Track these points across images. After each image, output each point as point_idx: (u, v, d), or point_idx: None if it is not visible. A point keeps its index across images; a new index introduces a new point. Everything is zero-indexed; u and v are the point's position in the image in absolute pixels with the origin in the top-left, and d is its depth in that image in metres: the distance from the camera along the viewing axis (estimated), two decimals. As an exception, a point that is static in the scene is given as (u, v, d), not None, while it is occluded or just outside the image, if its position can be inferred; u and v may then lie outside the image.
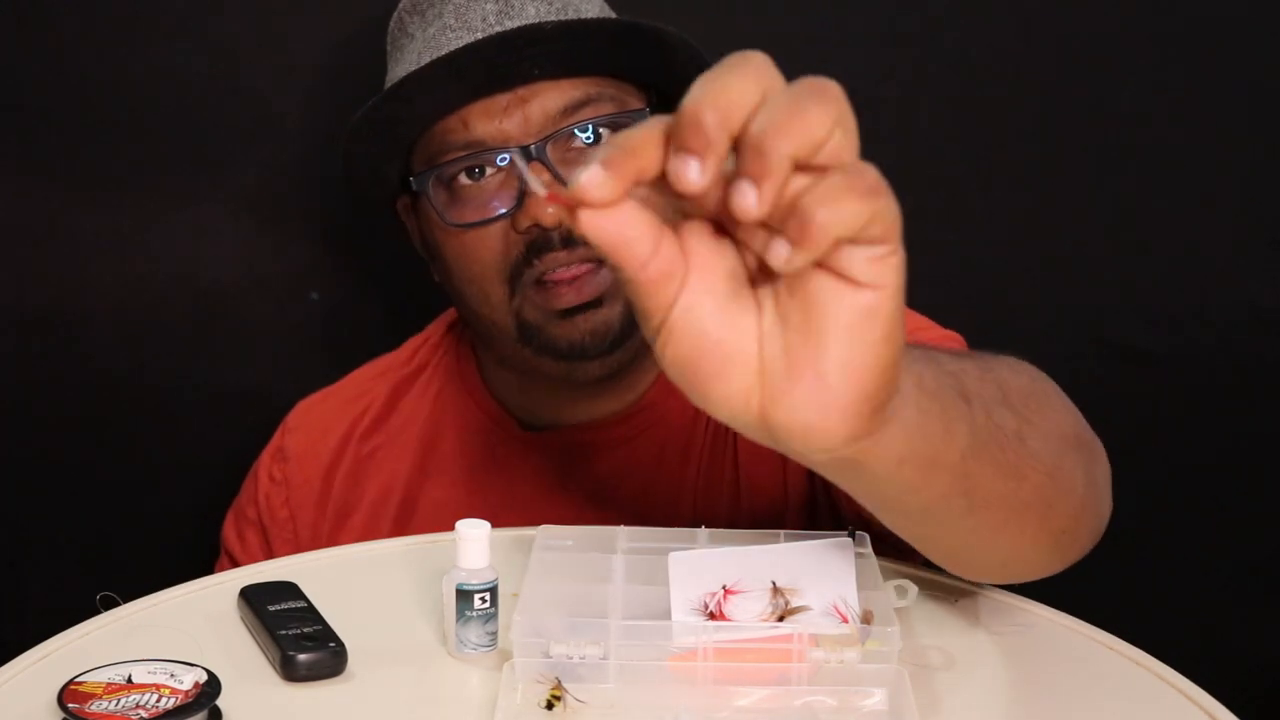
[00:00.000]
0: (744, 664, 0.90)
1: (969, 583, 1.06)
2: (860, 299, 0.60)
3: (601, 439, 1.26)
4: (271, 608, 0.98)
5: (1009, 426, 0.79)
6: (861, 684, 0.89)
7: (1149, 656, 0.97)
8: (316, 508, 1.31)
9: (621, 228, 0.59)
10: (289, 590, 1.01)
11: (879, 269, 0.60)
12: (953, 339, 1.20)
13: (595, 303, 1.18)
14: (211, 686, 0.87)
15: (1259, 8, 1.50)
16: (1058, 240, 1.56)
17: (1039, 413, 0.83)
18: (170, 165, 1.52)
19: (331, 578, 1.07)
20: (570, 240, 1.15)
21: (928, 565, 1.13)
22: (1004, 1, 1.52)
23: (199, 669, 0.88)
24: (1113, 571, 1.20)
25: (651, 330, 0.62)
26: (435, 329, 1.38)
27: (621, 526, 1.08)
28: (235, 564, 1.32)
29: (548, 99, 1.16)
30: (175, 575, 1.08)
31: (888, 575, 1.01)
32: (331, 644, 0.94)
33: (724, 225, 0.61)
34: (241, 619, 1.00)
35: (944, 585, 1.08)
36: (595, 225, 0.58)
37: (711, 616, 0.91)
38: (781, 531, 1.04)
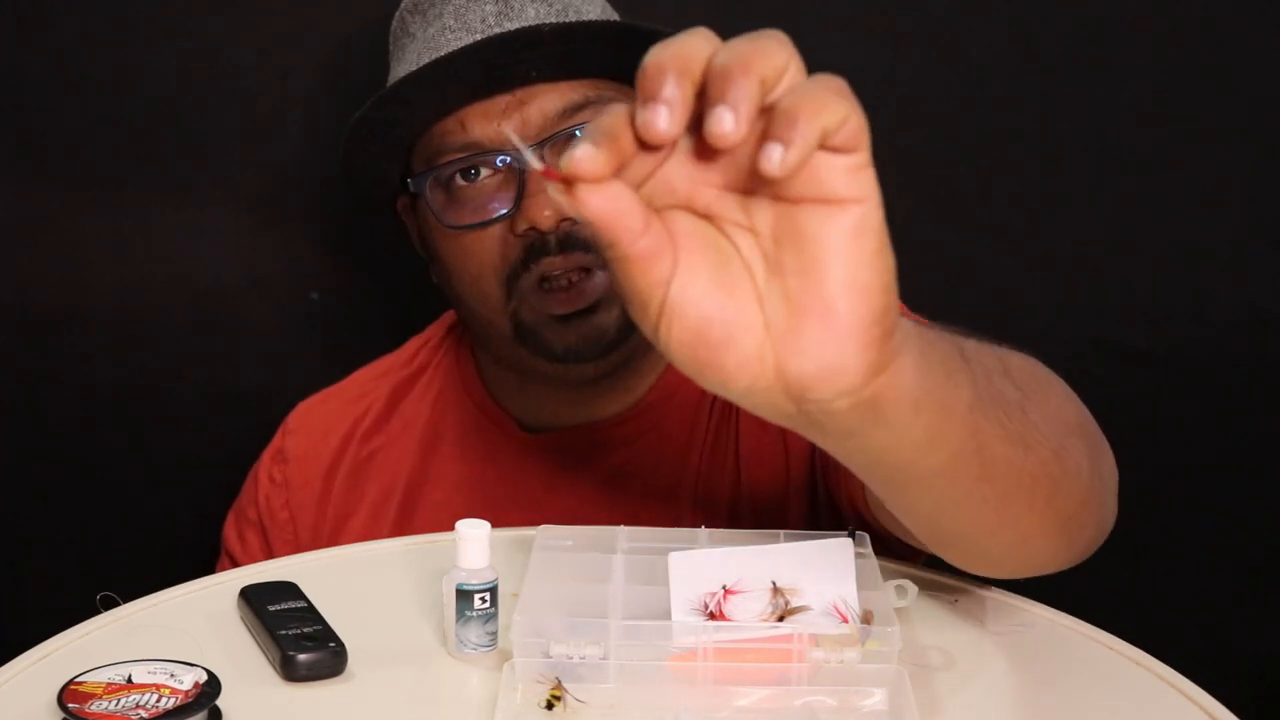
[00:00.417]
0: (744, 664, 0.90)
1: (973, 579, 1.06)
2: (847, 217, 0.62)
3: (601, 440, 1.26)
4: (271, 608, 0.98)
5: (1010, 395, 0.80)
6: (861, 684, 0.89)
7: (1149, 656, 0.97)
8: (317, 509, 1.31)
9: (614, 202, 0.62)
10: (289, 590, 1.01)
11: (858, 179, 0.62)
12: None
13: (590, 309, 1.18)
14: (211, 686, 0.87)
15: (1259, 8, 1.50)
16: (1058, 240, 1.56)
17: (1040, 393, 0.84)
18: (170, 165, 1.52)
19: (331, 578, 1.07)
20: (566, 244, 1.16)
21: (928, 565, 1.13)
22: (1004, 1, 1.52)
23: (199, 669, 0.88)
24: (1113, 571, 1.20)
25: (651, 319, 0.63)
26: (435, 330, 1.38)
27: (621, 526, 1.08)
28: (236, 565, 1.32)
29: (546, 101, 1.16)
30: (175, 575, 1.08)
31: (888, 575, 1.01)
32: (331, 644, 0.94)
33: (701, 210, 0.64)
34: (241, 619, 1.00)
35: (944, 585, 1.08)
36: (590, 200, 0.61)
37: (711, 616, 0.91)
38: (782, 531, 1.04)
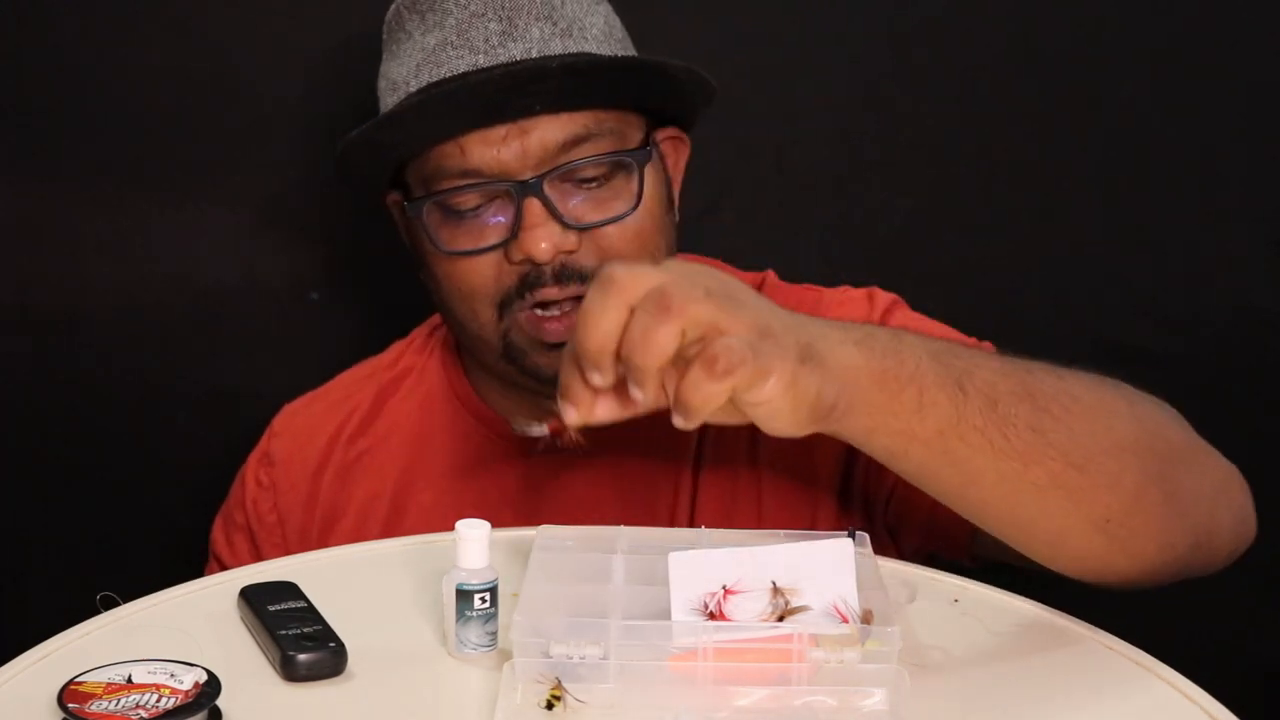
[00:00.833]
0: (744, 664, 0.90)
1: (972, 579, 1.06)
2: (757, 413, 0.85)
3: (594, 440, 1.26)
4: (271, 608, 0.98)
5: (1019, 418, 0.93)
6: (861, 684, 0.89)
7: (1149, 656, 0.97)
8: (304, 511, 1.31)
9: (606, 415, 0.89)
10: (289, 590, 1.01)
11: (755, 399, 0.83)
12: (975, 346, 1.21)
13: None
14: (211, 686, 0.87)
15: (1259, 8, 1.50)
16: (1058, 240, 1.56)
17: (1080, 417, 0.96)
18: (170, 165, 1.52)
19: (331, 578, 1.07)
20: (562, 276, 1.16)
21: (927, 565, 1.13)
22: (1004, 1, 1.52)
23: (199, 669, 0.88)
24: (1113, 571, 1.20)
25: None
26: (419, 333, 1.38)
27: (622, 526, 1.08)
28: (224, 568, 1.31)
29: (547, 132, 1.15)
30: (175, 575, 1.08)
31: (888, 575, 1.01)
32: (331, 644, 0.94)
33: None
34: (241, 619, 1.00)
35: (944, 585, 1.08)
36: (590, 421, 0.89)
37: (711, 616, 0.91)
38: (782, 531, 1.04)
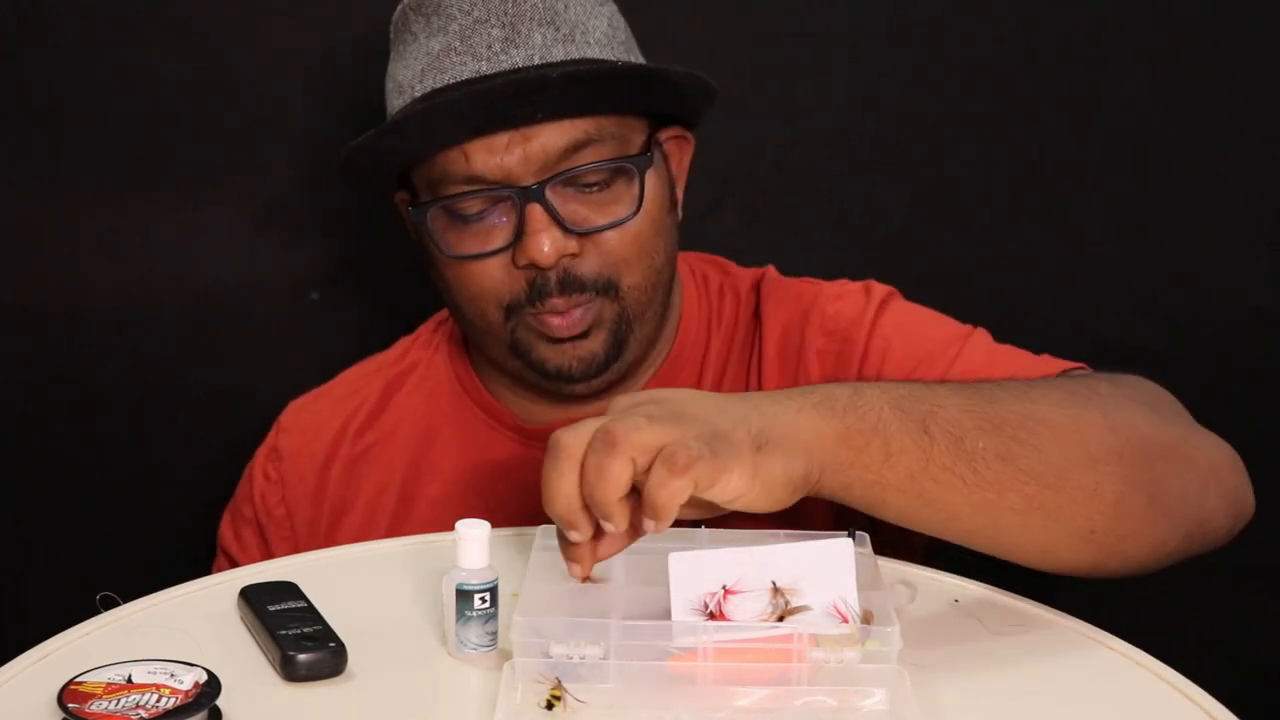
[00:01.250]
0: (744, 664, 0.90)
1: (972, 579, 1.07)
2: (735, 506, 0.92)
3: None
4: (271, 608, 0.98)
5: (987, 450, 0.97)
6: (861, 684, 0.89)
7: (1149, 656, 0.98)
8: (313, 504, 1.31)
9: (609, 553, 0.96)
10: (289, 590, 1.01)
11: (723, 496, 0.90)
12: (966, 336, 1.23)
13: (583, 334, 1.21)
14: (211, 686, 0.87)
15: (1259, 7, 1.50)
16: (1058, 240, 1.56)
17: (1049, 438, 0.99)
18: (170, 165, 1.52)
19: (331, 578, 1.07)
20: (567, 284, 1.18)
21: (927, 565, 1.13)
22: (1004, 1, 1.52)
23: (199, 669, 0.88)
24: (1113, 571, 1.20)
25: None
26: (425, 328, 1.39)
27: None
28: (233, 563, 1.32)
29: (549, 138, 1.17)
30: (175, 575, 1.08)
31: (888, 575, 1.01)
32: (331, 644, 0.94)
33: None
34: (241, 619, 1.00)
35: (944, 585, 1.08)
36: (605, 553, 0.96)
37: (711, 616, 0.91)
38: (782, 531, 1.04)
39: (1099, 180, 1.55)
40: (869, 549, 1.01)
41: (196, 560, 1.37)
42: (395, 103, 1.22)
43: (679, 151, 1.28)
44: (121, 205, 1.52)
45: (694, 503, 0.90)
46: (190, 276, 1.54)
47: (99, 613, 1.00)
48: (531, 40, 1.17)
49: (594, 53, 1.20)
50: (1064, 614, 1.03)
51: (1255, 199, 1.55)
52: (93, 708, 0.84)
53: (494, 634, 0.95)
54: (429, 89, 1.19)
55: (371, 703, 0.91)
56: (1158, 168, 1.54)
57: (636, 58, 1.24)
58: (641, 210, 1.20)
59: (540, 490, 0.91)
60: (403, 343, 1.39)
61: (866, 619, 0.92)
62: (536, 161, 1.17)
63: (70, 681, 0.87)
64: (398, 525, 1.28)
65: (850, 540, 0.94)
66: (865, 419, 0.95)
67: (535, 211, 1.17)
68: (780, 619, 0.91)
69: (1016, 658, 0.98)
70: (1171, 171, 1.54)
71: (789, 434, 0.92)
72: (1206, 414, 1.14)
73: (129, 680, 0.88)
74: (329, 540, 1.30)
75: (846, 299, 1.27)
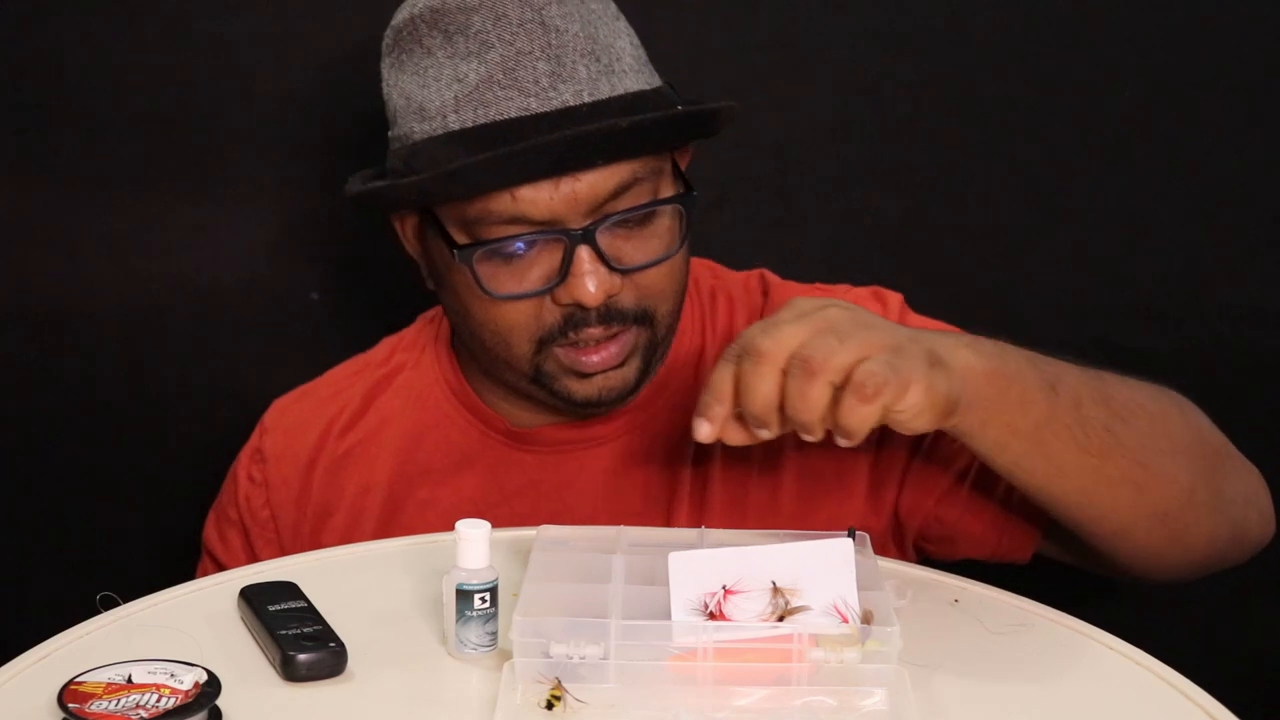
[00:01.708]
0: (744, 664, 0.90)
1: (972, 579, 1.06)
2: (899, 418, 0.96)
3: (591, 437, 1.26)
4: (271, 608, 0.98)
5: (1098, 419, 1.06)
6: (861, 684, 0.89)
7: (1149, 656, 0.98)
8: (296, 506, 1.30)
9: (737, 439, 1.01)
10: (289, 590, 1.01)
11: (901, 408, 0.95)
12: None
13: (618, 365, 1.19)
14: (211, 686, 0.87)
15: (1259, 7, 1.50)
16: (1058, 240, 1.56)
17: (1144, 421, 1.09)
18: (170, 165, 1.52)
19: (331, 578, 1.07)
20: (608, 316, 1.17)
21: (927, 565, 1.13)
22: (1004, 1, 1.52)
23: (199, 669, 0.89)
24: (1113, 571, 1.20)
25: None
26: (411, 329, 1.37)
27: (622, 526, 1.08)
28: (218, 565, 1.32)
29: (599, 181, 1.14)
30: (175, 575, 1.08)
31: (888, 575, 1.01)
32: (331, 644, 0.94)
33: None
34: (241, 619, 1.00)
35: (944, 585, 1.08)
36: (720, 439, 1.01)
37: (711, 616, 0.91)
38: (782, 531, 1.04)
39: (1099, 180, 1.55)
40: (869, 549, 1.01)
41: (196, 560, 1.37)
42: (420, 128, 1.16)
43: (682, 158, 1.27)
44: (121, 205, 1.52)
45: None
46: (190, 276, 1.54)
47: (99, 613, 1.00)
48: (577, 74, 1.14)
49: (630, 82, 1.17)
50: (1064, 614, 1.03)
51: (1255, 199, 1.54)
52: (93, 708, 0.84)
53: (494, 634, 0.95)
54: (470, 123, 1.14)
55: (371, 703, 0.91)
56: (1158, 168, 1.54)
57: (651, 71, 1.22)
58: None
59: (739, 389, 0.98)
60: (387, 343, 1.37)
61: (866, 619, 0.92)
62: (586, 203, 1.14)
63: (70, 681, 0.87)
64: (385, 528, 1.27)
65: (850, 540, 0.94)
66: (1008, 365, 1.02)
67: (584, 253, 1.14)
68: (780, 619, 0.91)
69: (1016, 658, 0.98)
70: (1171, 171, 1.53)
71: (948, 360, 0.99)
72: (1207, 414, 1.15)
73: (129, 680, 0.88)
74: (314, 543, 1.29)
75: (863, 306, 1.26)
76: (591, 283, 1.14)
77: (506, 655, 0.91)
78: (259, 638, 0.97)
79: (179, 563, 1.34)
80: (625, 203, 1.16)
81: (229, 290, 1.55)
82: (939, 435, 1.05)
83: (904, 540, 1.25)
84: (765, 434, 0.99)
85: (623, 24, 1.21)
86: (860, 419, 0.94)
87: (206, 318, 1.56)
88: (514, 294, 1.16)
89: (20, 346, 1.55)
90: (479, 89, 1.14)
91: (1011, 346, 1.05)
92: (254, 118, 1.52)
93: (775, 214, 1.58)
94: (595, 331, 1.17)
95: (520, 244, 1.15)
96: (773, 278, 1.33)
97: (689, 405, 1.24)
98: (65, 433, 1.57)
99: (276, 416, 1.35)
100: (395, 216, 1.25)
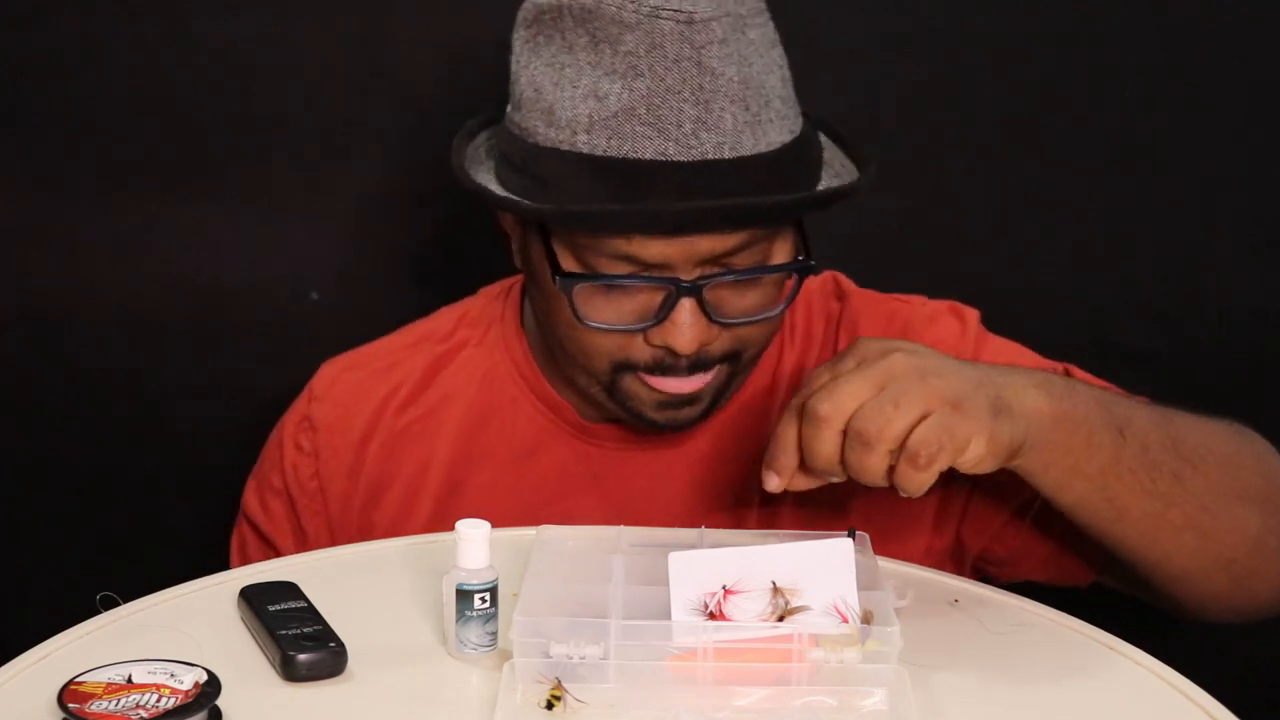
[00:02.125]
0: (744, 664, 0.90)
1: (971, 579, 1.06)
2: (963, 466, 0.99)
3: (660, 436, 1.23)
4: (271, 608, 0.98)
5: (1165, 464, 1.06)
6: (861, 684, 0.89)
7: (1149, 656, 0.98)
8: (347, 480, 1.27)
9: (804, 486, 1.03)
10: (289, 590, 1.01)
11: (962, 462, 0.98)
12: (1053, 368, 1.21)
13: (692, 399, 1.17)
14: (211, 686, 0.87)
15: (1259, 7, 1.50)
16: (1058, 240, 1.55)
17: (1214, 466, 1.09)
18: (170, 165, 1.52)
19: (331, 578, 1.07)
20: (696, 366, 1.14)
21: (926, 565, 1.13)
22: (1004, 2, 1.52)
23: (199, 669, 0.89)
24: (1113, 571, 1.20)
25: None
26: (474, 303, 1.33)
27: (622, 526, 1.08)
28: (258, 533, 1.29)
29: (719, 241, 1.10)
30: (175, 575, 1.08)
31: (887, 575, 1.01)
32: (331, 644, 0.94)
33: None
34: (241, 619, 1.00)
35: (944, 585, 1.08)
36: (789, 488, 1.03)
37: (711, 616, 0.91)
38: (782, 531, 1.05)
39: (1099, 181, 1.54)
40: (869, 549, 1.01)
41: (196, 560, 1.36)
42: (546, 133, 1.11)
43: None
44: (121, 205, 1.52)
45: None
46: (190, 276, 1.54)
47: (99, 613, 1.00)
48: (723, 124, 1.08)
49: (774, 131, 1.11)
50: (1064, 614, 1.04)
51: (1255, 199, 1.54)
52: (93, 708, 0.84)
53: (494, 634, 0.95)
54: (602, 152, 1.08)
55: (371, 703, 0.91)
56: (1158, 168, 1.53)
57: (795, 108, 1.16)
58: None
59: (802, 448, 1.00)
60: (448, 315, 1.33)
61: (866, 619, 0.92)
62: (700, 256, 1.10)
63: (70, 681, 0.87)
64: (444, 509, 1.24)
65: (850, 540, 0.94)
66: (1077, 408, 1.03)
67: (688, 303, 1.11)
68: (780, 619, 0.91)
69: (1016, 658, 0.98)
70: (1171, 172, 1.53)
71: (1014, 404, 1.00)
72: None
73: (129, 680, 0.88)
74: (364, 518, 1.26)
75: (941, 324, 1.25)
76: (690, 334, 1.11)
77: (506, 655, 0.91)
78: (259, 638, 0.97)
79: (179, 563, 1.33)
80: (740, 260, 1.12)
81: (229, 290, 1.55)
82: (1002, 469, 1.03)
83: (963, 560, 1.24)
84: (834, 479, 1.01)
85: (778, 52, 1.15)
86: (917, 484, 0.97)
87: (206, 318, 1.55)
88: (608, 325, 1.13)
89: (20, 346, 1.55)
90: (618, 117, 1.08)
91: (1083, 385, 1.06)
92: (255, 117, 1.52)
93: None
94: (682, 377, 1.15)
95: (621, 273, 1.11)
96: (847, 283, 1.30)
97: (761, 410, 1.24)
98: (65, 433, 1.57)
99: (327, 385, 1.31)
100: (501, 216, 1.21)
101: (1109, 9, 1.51)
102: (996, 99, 1.53)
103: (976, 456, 0.97)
